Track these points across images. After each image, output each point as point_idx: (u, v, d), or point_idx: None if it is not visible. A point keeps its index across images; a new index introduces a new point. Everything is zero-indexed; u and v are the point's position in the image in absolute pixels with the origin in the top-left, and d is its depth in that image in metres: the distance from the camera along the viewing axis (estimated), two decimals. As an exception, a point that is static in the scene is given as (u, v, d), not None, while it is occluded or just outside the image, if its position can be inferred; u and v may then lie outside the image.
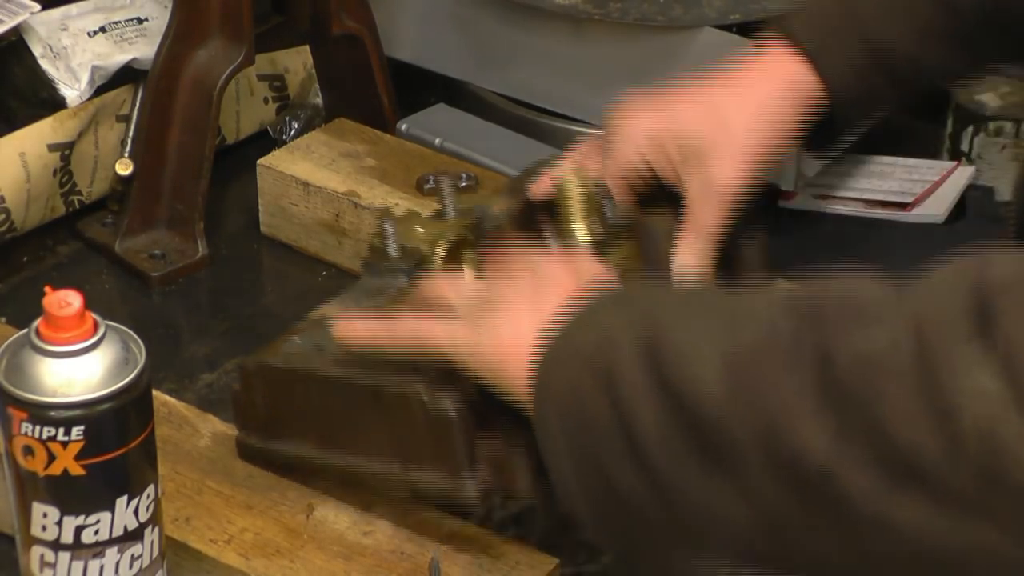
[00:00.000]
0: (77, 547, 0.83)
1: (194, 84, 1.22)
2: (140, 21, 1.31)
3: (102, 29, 1.29)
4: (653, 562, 0.91)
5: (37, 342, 0.80)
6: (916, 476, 0.64)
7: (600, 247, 0.98)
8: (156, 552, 0.86)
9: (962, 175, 1.32)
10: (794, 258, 0.98)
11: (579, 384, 0.77)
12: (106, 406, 0.80)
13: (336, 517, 0.93)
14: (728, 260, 1.02)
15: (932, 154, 1.35)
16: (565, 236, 1.00)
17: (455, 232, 0.98)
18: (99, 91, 1.27)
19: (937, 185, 1.31)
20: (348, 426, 0.91)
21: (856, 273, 0.72)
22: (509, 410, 0.82)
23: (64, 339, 0.80)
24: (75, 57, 1.27)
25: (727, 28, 1.28)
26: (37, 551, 0.84)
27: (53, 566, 0.84)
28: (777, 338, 0.70)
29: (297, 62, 1.41)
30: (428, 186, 1.20)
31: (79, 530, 0.82)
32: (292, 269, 1.25)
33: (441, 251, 0.96)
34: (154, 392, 0.85)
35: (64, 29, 1.28)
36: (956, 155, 1.34)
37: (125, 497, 0.83)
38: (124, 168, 1.24)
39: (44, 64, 1.27)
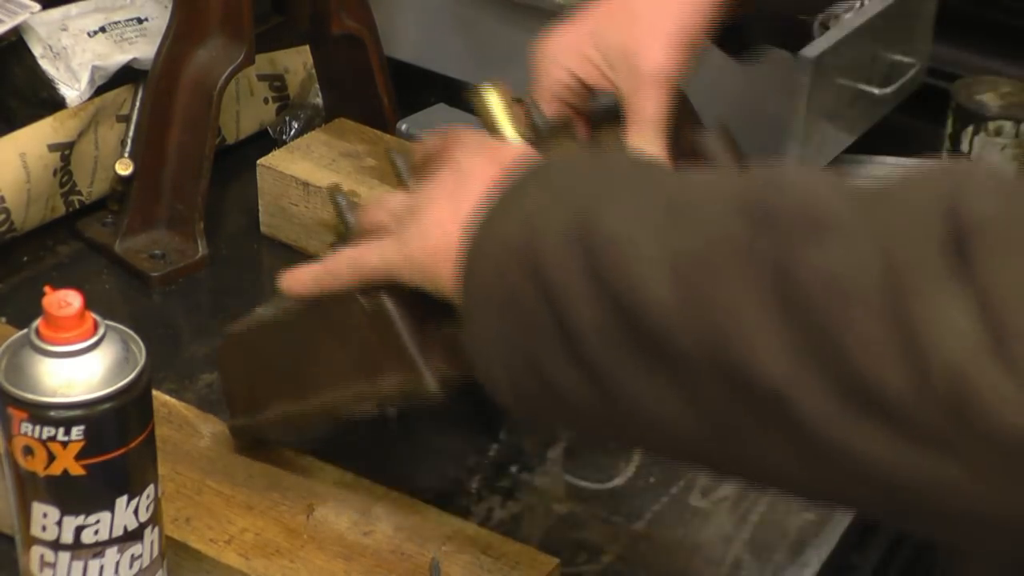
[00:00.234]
0: (77, 547, 0.83)
1: (194, 84, 1.22)
2: (140, 21, 1.31)
3: (102, 29, 1.29)
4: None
5: (37, 342, 0.80)
6: (877, 406, 0.62)
7: (535, 146, 0.95)
8: (156, 552, 0.86)
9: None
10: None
11: (506, 275, 0.74)
12: (106, 406, 0.80)
13: (336, 517, 0.93)
14: (688, 155, 1.01)
15: (932, 154, 1.35)
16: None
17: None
18: (99, 91, 1.27)
19: (937, 185, 1.31)
20: (312, 364, 0.92)
21: (810, 173, 0.68)
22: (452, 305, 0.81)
23: (64, 339, 0.80)
24: (75, 57, 1.27)
25: (727, 28, 1.28)
26: (37, 551, 0.84)
27: (53, 566, 0.83)
28: (729, 244, 0.67)
29: (297, 62, 1.41)
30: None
31: (79, 530, 0.82)
32: (292, 269, 1.25)
33: None
34: (154, 392, 0.85)
35: (64, 29, 1.28)
36: (956, 155, 1.34)
37: (125, 497, 0.83)
38: (124, 168, 1.24)
39: (44, 64, 1.27)
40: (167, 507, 0.90)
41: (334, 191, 0.98)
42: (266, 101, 1.39)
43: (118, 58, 1.28)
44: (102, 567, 0.84)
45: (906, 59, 1.37)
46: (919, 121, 1.39)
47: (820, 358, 0.63)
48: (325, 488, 0.95)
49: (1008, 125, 1.32)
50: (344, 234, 0.96)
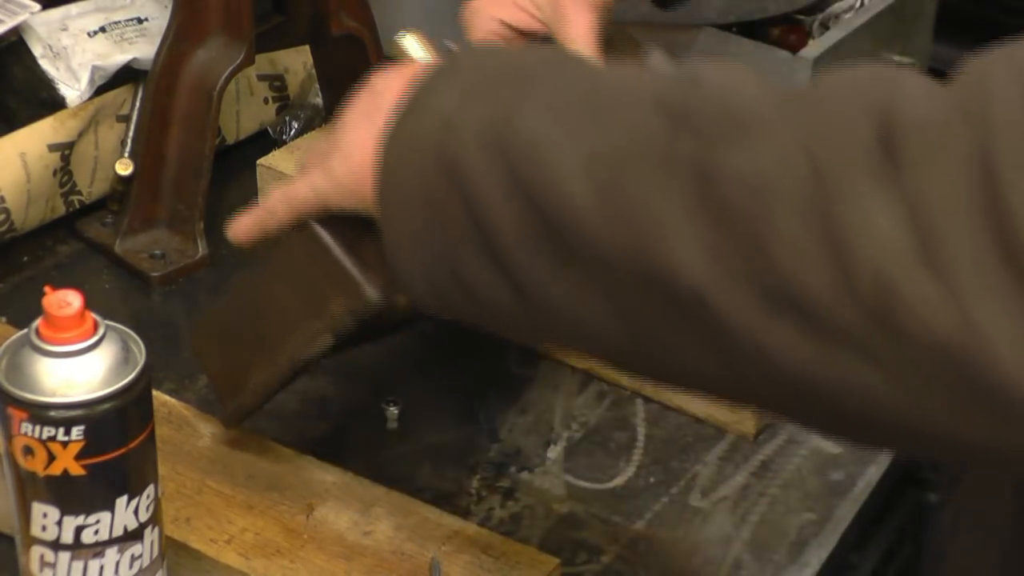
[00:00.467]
0: (77, 547, 0.83)
1: (194, 84, 1.22)
2: (140, 21, 1.31)
3: (102, 29, 1.29)
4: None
5: (37, 342, 0.80)
6: (798, 307, 0.61)
7: None
8: (156, 552, 0.86)
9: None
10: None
11: (422, 177, 0.73)
12: (106, 406, 0.80)
13: (336, 517, 0.93)
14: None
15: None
16: None
17: None
18: (99, 91, 1.27)
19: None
20: (272, 323, 0.93)
21: (731, 72, 0.67)
22: None
23: (64, 339, 0.80)
24: (75, 57, 1.27)
25: (727, 28, 1.28)
26: (37, 551, 0.83)
27: (53, 566, 0.83)
28: (648, 143, 0.66)
29: (297, 62, 1.41)
30: None
31: (79, 530, 0.82)
32: (292, 269, 1.25)
33: None
34: (154, 392, 0.85)
35: (64, 29, 1.28)
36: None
37: (125, 497, 0.83)
38: (124, 168, 1.24)
39: (44, 64, 1.27)
40: (167, 507, 0.90)
41: None
42: (266, 101, 1.39)
43: (118, 58, 1.28)
44: (102, 567, 0.84)
45: (906, 59, 1.37)
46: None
47: (741, 260, 0.62)
48: (325, 488, 0.95)
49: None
50: None
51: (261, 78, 1.38)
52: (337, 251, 0.88)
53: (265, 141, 1.38)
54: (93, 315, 0.81)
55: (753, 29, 1.34)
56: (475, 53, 0.81)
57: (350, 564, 0.90)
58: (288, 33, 1.37)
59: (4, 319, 1.12)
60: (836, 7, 1.38)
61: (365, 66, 1.32)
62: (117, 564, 0.84)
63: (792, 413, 0.69)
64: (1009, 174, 0.57)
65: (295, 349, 0.92)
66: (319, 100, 1.39)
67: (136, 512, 0.83)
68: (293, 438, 1.02)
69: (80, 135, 1.25)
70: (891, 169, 0.60)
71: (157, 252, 1.24)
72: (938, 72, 0.65)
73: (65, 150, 1.24)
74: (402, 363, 1.14)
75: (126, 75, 1.28)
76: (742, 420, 1.09)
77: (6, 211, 1.20)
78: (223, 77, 1.21)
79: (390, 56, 1.34)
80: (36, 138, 1.22)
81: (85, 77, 1.26)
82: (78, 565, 0.83)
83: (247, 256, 1.29)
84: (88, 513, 0.82)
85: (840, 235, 0.60)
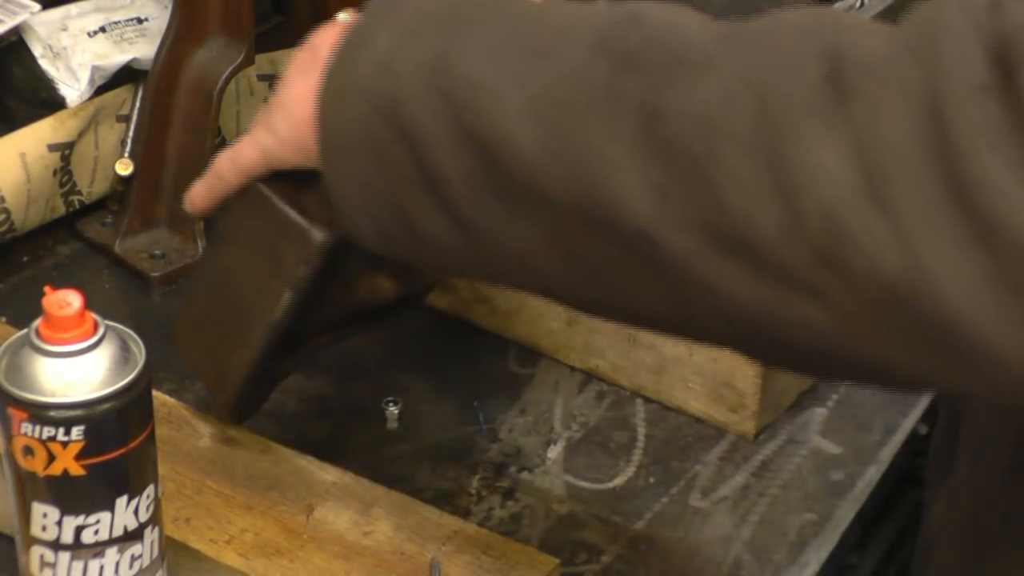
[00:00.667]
0: (77, 547, 0.83)
1: (194, 84, 1.22)
2: (140, 21, 1.31)
3: (102, 29, 1.29)
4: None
5: (37, 342, 0.80)
6: (744, 246, 0.61)
7: None
8: (156, 552, 0.86)
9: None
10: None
11: (362, 119, 0.73)
12: (106, 406, 0.80)
13: (336, 517, 0.93)
14: None
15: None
16: None
17: None
18: (99, 91, 1.27)
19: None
20: (236, 294, 0.92)
21: (673, 10, 0.67)
22: None
23: (64, 339, 0.80)
24: (75, 57, 1.27)
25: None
26: (37, 551, 0.83)
27: (53, 566, 0.83)
28: (591, 84, 0.65)
29: (297, 62, 1.41)
30: None
31: (79, 530, 0.82)
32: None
33: None
34: (154, 392, 0.85)
35: (64, 29, 1.28)
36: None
37: (125, 497, 0.83)
38: (124, 168, 1.25)
39: (44, 64, 1.27)
40: (167, 507, 0.90)
41: None
42: (266, 101, 1.39)
43: (118, 58, 1.28)
44: (102, 567, 0.84)
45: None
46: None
47: (688, 199, 0.62)
48: (325, 488, 0.95)
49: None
50: None
51: (261, 78, 1.38)
52: (279, 203, 0.88)
53: (265, 141, 1.38)
54: (93, 315, 0.81)
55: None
56: None
57: (350, 564, 0.90)
58: (288, 33, 1.36)
59: (4, 319, 1.12)
60: (836, 7, 1.38)
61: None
62: (117, 564, 0.84)
63: (742, 348, 0.69)
64: (957, 113, 0.57)
65: (262, 314, 0.91)
66: (319, 100, 1.39)
67: (136, 512, 0.83)
68: (293, 438, 1.02)
69: (80, 135, 1.25)
70: (839, 108, 0.59)
71: (157, 252, 1.24)
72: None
73: (65, 150, 1.24)
74: (402, 363, 1.14)
75: (126, 75, 1.28)
76: (742, 420, 1.09)
77: (6, 211, 1.20)
78: (223, 77, 1.21)
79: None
80: (36, 138, 1.22)
81: (85, 77, 1.26)
82: (78, 565, 0.83)
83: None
84: (88, 513, 0.82)
85: (788, 174, 0.60)
